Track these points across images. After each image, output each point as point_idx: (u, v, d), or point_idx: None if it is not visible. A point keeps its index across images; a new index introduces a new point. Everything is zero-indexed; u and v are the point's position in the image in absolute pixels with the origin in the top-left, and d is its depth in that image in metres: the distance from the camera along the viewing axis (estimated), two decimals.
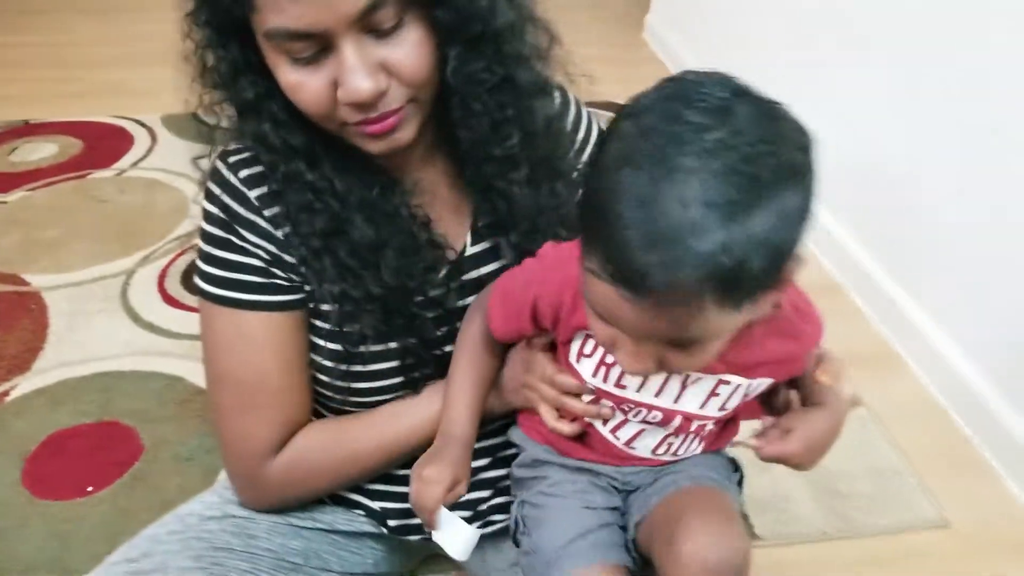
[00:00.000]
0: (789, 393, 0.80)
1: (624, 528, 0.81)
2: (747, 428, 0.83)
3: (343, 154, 0.77)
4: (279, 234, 0.80)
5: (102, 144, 2.41)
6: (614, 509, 0.82)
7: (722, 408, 0.77)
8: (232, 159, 0.81)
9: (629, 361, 0.63)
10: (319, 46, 0.67)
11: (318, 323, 0.84)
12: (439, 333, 0.87)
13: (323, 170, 0.77)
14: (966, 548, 1.36)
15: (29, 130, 2.49)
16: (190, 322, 1.71)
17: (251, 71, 0.72)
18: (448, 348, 0.86)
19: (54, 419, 1.47)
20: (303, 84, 0.69)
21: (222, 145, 0.81)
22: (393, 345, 0.84)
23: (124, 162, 2.33)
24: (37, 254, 1.93)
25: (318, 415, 0.92)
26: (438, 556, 1.03)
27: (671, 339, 0.60)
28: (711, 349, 0.62)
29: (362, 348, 0.83)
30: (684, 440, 0.80)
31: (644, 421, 0.78)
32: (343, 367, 0.84)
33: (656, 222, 0.52)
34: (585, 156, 0.92)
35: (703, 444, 0.83)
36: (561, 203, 0.85)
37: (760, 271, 0.53)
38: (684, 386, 0.74)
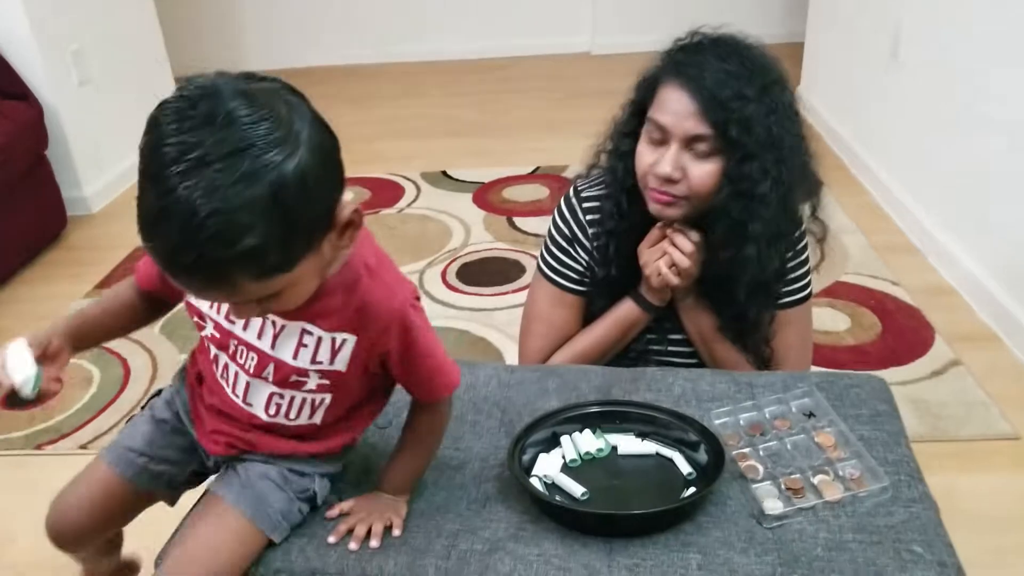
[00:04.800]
0: None
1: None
2: None
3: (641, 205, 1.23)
4: (591, 248, 1.32)
5: (383, 192, 3.33)
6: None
7: (315, 361, 0.91)
8: (583, 191, 1.33)
9: (234, 311, 0.83)
10: (663, 139, 1.14)
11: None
12: (649, 336, 1.36)
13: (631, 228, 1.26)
14: None
15: None
16: (465, 299, 2.50)
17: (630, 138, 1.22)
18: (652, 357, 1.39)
19: None
20: (643, 153, 1.18)
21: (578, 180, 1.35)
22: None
23: (401, 204, 3.22)
24: None
25: None
26: None
27: (239, 300, 0.77)
28: (297, 293, 0.80)
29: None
30: (291, 403, 0.96)
31: (245, 370, 0.94)
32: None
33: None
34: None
35: (319, 417, 0.98)
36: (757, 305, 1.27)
37: (261, 237, 0.69)
38: (276, 332, 0.90)
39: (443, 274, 2.67)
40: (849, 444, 1.07)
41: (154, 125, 0.71)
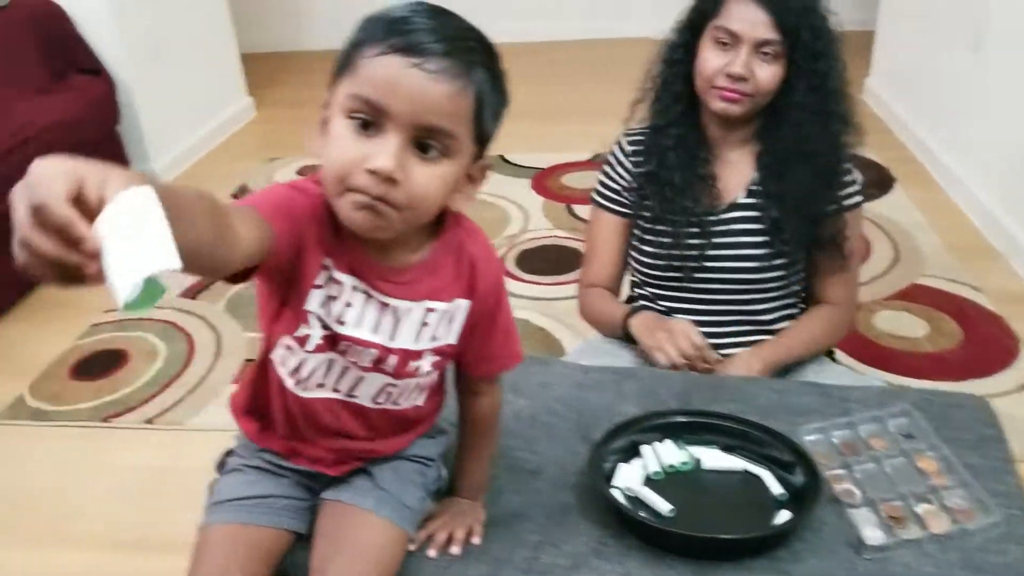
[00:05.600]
0: None
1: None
2: None
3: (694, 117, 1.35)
4: (630, 167, 1.40)
5: None
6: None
7: (434, 338, 0.90)
8: (625, 133, 1.44)
9: (384, 154, 0.73)
10: (733, 43, 1.25)
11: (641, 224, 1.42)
12: (691, 242, 1.36)
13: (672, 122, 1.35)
14: None
15: None
16: (524, 287, 2.48)
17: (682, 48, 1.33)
18: (692, 264, 1.37)
19: None
20: (709, 58, 1.27)
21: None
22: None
23: None
24: None
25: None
26: None
27: (431, 126, 0.75)
28: (444, 169, 0.77)
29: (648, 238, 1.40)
30: (404, 390, 0.94)
31: (359, 365, 0.89)
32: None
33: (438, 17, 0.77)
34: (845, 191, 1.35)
35: (425, 396, 0.97)
36: (820, 202, 1.32)
37: (500, 93, 0.79)
38: (397, 320, 0.88)
39: (502, 261, 2.64)
40: (954, 471, 1.01)
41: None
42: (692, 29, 1.33)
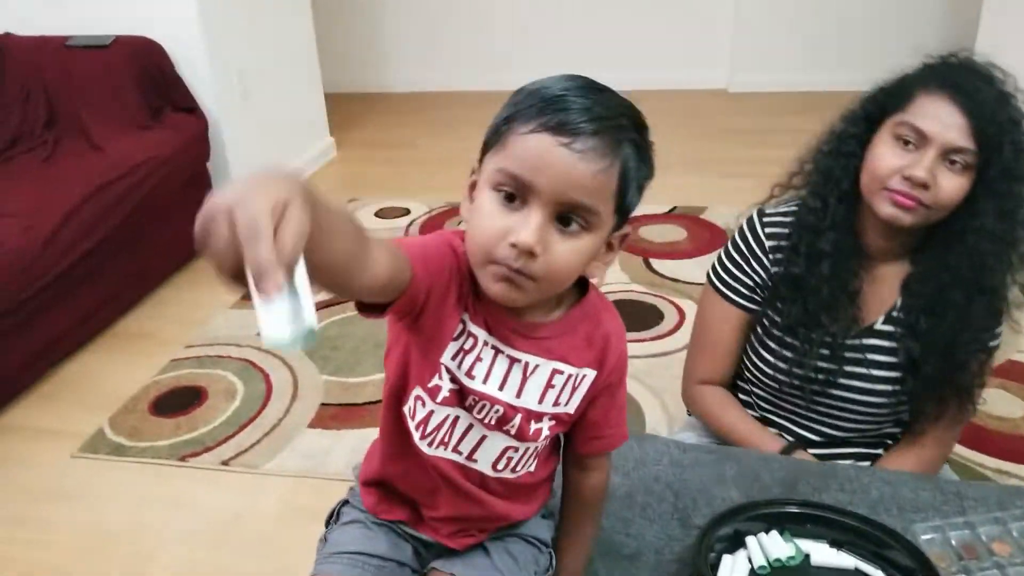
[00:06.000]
0: None
1: None
2: None
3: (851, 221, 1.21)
4: (768, 264, 1.28)
5: None
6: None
7: (556, 403, 0.89)
8: (766, 209, 1.30)
9: (527, 230, 0.74)
10: (918, 144, 1.10)
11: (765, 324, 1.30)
12: (820, 364, 1.24)
13: (833, 225, 1.21)
14: None
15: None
16: None
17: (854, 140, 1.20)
18: (816, 388, 1.27)
19: None
20: (886, 156, 1.13)
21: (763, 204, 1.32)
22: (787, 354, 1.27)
23: None
24: None
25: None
26: None
27: (573, 202, 0.75)
28: (583, 243, 0.77)
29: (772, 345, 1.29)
30: (523, 455, 0.92)
31: (484, 423, 0.88)
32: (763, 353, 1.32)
33: (587, 95, 0.76)
34: None
35: (536, 463, 0.95)
36: (971, 344, 1.18)
37: (645, 165, 0.79)
38: (525, 377, 0.86)
39: None
40: None
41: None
42: (869, 121, 1.19)
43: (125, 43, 2.85)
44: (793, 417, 1.34)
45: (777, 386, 1.30)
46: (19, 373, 2.26)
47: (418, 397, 0.88)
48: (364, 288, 0.70)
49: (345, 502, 1.05)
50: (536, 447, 0.93)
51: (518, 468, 0.93)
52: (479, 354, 0.85)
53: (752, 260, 1.29)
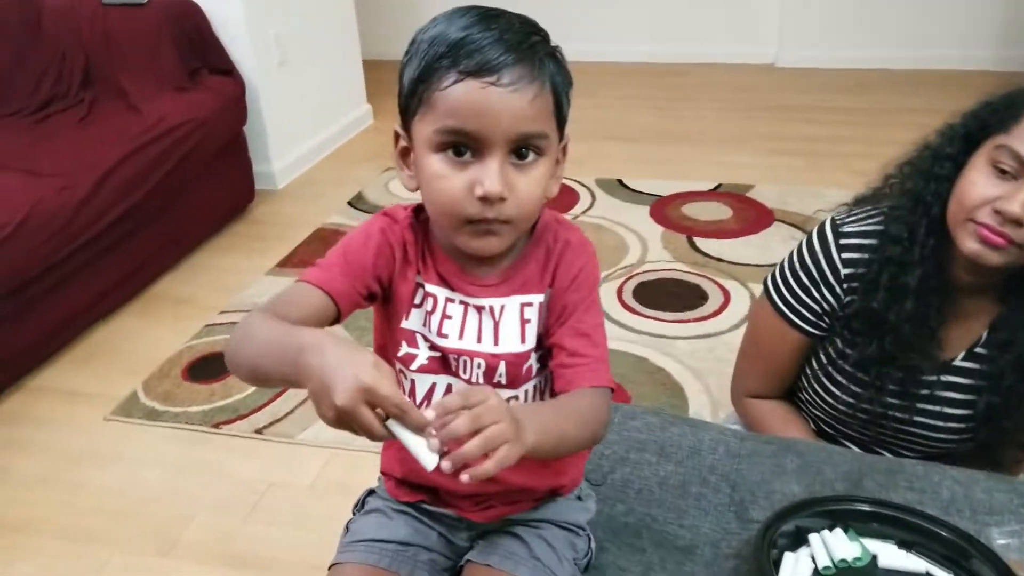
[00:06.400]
0: None
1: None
2: None
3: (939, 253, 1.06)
4: (840, 293, 1.13)
5: (558, 195, 3.22)
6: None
7: (539, 335, 0.86)
8: (842, 226, 1.13)
9: (490, 178, 0.74)
10: (1017, 174, 0.96)
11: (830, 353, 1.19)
12: (890, 400, 1.15)
13: (921, 259, 1.06)
14: None
15: None
16: (643, 322, 2.36)
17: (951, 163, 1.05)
18: (890, 424, 1.17)
19: None
20: (979, 183, 0.99)
21: (836, 213, 1.17)
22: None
23: (576, 210, 3.11)
24: None
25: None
26: None
27: (523, 135, 0.74)
28: (541, 169, 0.77)
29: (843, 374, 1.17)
30: (526, 400, 0.87)
31: (472, 382, 0.85)
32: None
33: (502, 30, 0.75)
34: None
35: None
36: None
37: (568, 80, 0.79)
38: (497, 324, 0.84)
39: (619, 291, 2.54)
40: None
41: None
42: (968, 140, 1.05)
43: (162, 2, 2.80)
44: (853, 440, 1.26)
45: (840, 417, 1.22)
46: (53, 334, 2.25)
47: (400, 370, 0.87)
48: None
49: (371, 491, 1.02)
50: (538, 386, 0.89)
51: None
52: (445, 311, 0.85)
53: (823, 286, 1.15)
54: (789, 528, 0.98)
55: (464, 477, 0.65)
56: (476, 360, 0.85)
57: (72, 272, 2.24)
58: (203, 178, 2.68)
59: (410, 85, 0.77)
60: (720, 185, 3.22)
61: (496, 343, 0.85)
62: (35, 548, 1.70)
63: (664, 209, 3.06)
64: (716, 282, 2.56)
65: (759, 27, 4.63)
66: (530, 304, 0.85)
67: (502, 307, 0.85)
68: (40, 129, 2.60)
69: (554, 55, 0.79)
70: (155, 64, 2.76)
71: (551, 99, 0.78)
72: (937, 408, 1.16)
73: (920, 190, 1.08)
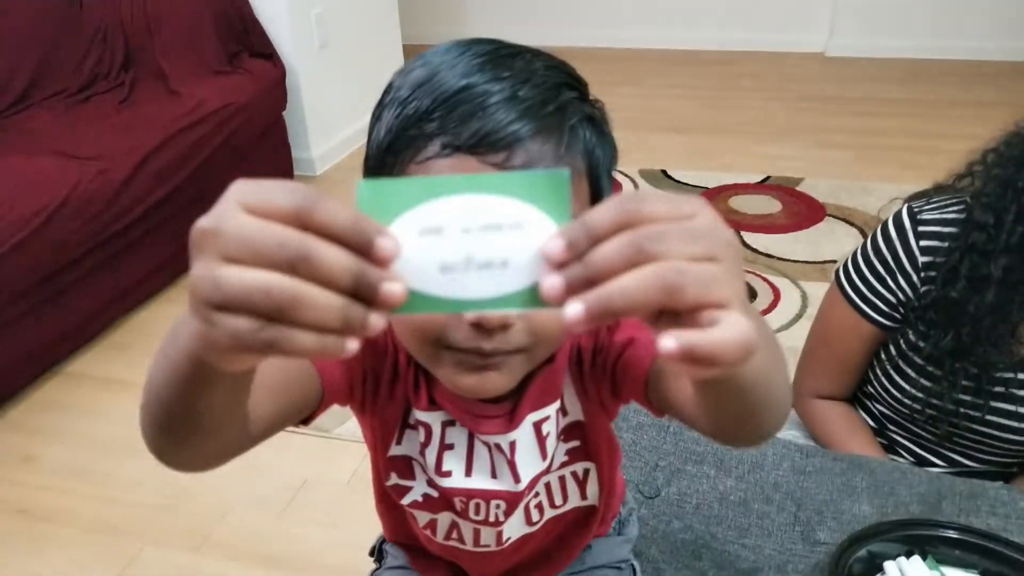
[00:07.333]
0: None
1: None
2: None
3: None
4: (917, 282, 1.07)
5: None
6: None
7: (559, 436, 0.71)
8: (921, 214, 1.07)
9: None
10: None
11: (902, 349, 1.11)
12: (962, 396, 1.07)
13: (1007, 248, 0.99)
14: None
15: None
16: None
17: None
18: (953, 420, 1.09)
19: None
20: None
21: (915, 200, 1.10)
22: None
23: None
24: None
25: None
26: None
27: None
28: None
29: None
30: (549, 491, 0.73)
31: (490, 523, 0.70)
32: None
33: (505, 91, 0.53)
34: None
35: (593, 492, 0.76)
36: None
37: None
38: (513, 451, 0.66)
39: None
40: None
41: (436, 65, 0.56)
42: None
43: None
44: (919, 440, 1.18)
45: (907, 412, 1.14)
46: (90, 321, 2.22)
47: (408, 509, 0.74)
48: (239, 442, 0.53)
49: (381, 551, 0.94)
50: (567, 474, 0.73)
51: (558, 503, 0.74)
52: (445, 441, 0.66)
53: (899, 274, 1.10)
54: (861, 553, 0.91)
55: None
56: (495, 501, 0.68)
57: (110, 257, 2.21)
58: (242, 163, 2.64)
59: (376, 153, 0.57)
60: (768, 178, 3.11)
61: (518, 480, 0.67)
62: (65, 538, 1.67)
63: (710, 201, 2.90)
64: (765, 279, 2.46)
65: (809, 14, 4.48)
66: (546, 418, 0.66)
67: (514, 440, 0.66)
68: (80, 111, 2.58)
69: (590, 116, 0.57)
70: (195, 47, 2.73)
71: (585, 185, 0.55)
72: (1012, 407, 1.08)
73: (1011, 177, 1.01)
